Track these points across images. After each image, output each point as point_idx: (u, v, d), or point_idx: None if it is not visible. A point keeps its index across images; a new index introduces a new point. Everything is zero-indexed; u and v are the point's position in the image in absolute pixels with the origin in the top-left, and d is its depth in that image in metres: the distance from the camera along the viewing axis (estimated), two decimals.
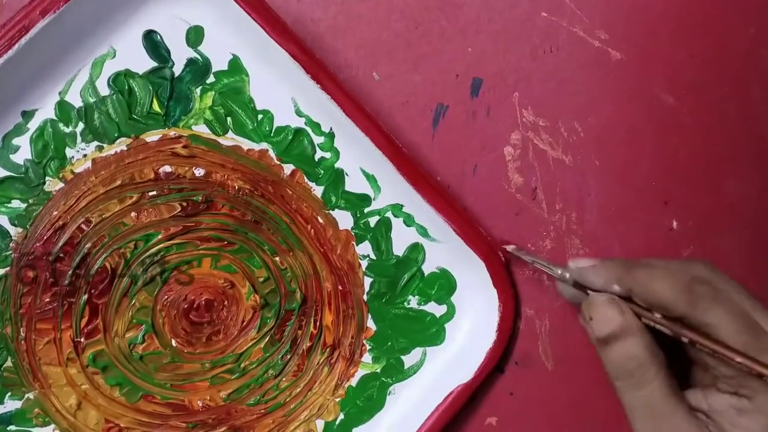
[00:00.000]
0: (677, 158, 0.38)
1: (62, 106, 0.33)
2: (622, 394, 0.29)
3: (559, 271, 0.32)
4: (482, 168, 0.37)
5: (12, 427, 0.32)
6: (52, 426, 0.33)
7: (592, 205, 0.38)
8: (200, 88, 0.34)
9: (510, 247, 0.36)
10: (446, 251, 0.36)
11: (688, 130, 0.37)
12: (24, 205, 0.33)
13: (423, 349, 0.37)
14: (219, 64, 0.34)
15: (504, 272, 0.35)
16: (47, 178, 0.33)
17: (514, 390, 0.37)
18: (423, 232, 0.36)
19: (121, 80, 0.33)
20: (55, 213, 0.33)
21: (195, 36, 0.34)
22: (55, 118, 0.33)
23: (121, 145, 0.33)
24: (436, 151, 0.37)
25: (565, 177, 0.37)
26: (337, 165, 0.35)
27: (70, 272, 0.33)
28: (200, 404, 0.34)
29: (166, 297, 0.34)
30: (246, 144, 0.35)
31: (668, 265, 0.30)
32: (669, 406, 0.28)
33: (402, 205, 0.36)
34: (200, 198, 0.34)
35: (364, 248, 0.36)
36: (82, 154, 0.33)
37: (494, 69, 0.37)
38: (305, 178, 0.35)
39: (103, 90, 0.33)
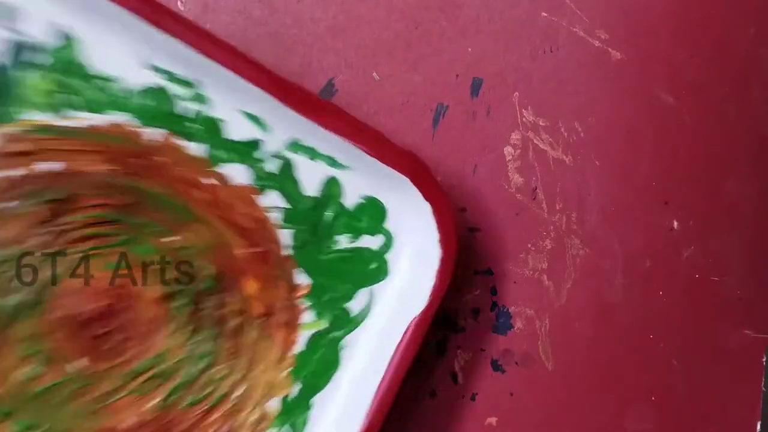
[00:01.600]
0: (678, 158, 0.40)
1: None
2: None
3: None
4: (482, 168, 0.38)
5: None
6: None
7: (592, 205, 0.39)
8: (26, 70, 0.30)
9: None
10: (365, 176, 0.34)
11: (689, 130, 0.39)
12: None
13: (368, 290, 0.35)
14: (38, 36, 0.30)
15: (433, 182, 0.33)
16: None
17: (515, 390, 0.39)
18: (332, 162, 0.34)
19: None
20: None
21: None
22: None
23: None
24: (436, 152, 0.37)
25: (566, 177, 0.39)
26: (211, 114, 0.32)
27: None
28: (132, 423, 0.32)
29: (54, 316, 0.31)
30: (99, 119, 0.31)
31: None
32: None
33: (299, 140, 0.33)
34: (63, 196, 0.31)
35: (273, 199, 0.34)
36: None
37: (494, 69, 0.38)
38: (177, 139, 0.32)
39: None
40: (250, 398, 0.34)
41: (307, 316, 0.35)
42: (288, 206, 0.34)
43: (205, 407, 0.33)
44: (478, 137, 0.38)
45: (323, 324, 0.35)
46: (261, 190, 0.34)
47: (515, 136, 0.38)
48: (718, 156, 0.40)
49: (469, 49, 0.38)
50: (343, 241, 0.35)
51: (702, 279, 0.40)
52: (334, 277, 0.35)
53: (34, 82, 0.30)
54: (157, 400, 0.32)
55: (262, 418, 0.34)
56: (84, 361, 0.31)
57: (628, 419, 0.39)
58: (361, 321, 0.35)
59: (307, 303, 0.35)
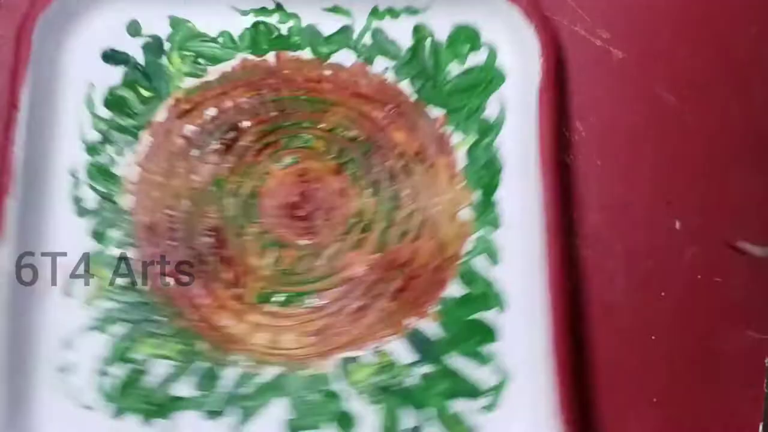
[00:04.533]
0: (680, 158, 0.43)
1: None
2: None
3: None
4: None
5: (240, 390, 0.42)
6: (274, 366, 0.43)
7: (593, 204, 0.44)
8: (163, 56, 0.45)
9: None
10: (441, 7, 0.45)
11: (691, 130, 0.43)
12: None
13: (495, 95, 0.45)
14: (160, 29, 0.46)
15: None
16: None
17: None
18: (411, 11, 0.45)
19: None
20: None
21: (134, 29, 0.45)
22: None
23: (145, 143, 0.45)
24: None
25: (567, 177, 0.44)
26: (302, 24, 0.46)
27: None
28: (365, 269, 0.44)
29: (267, 215, 0.44)
30: (227, 65, 0.45)
31: None
32: None
33: (376, 6, 0.46)
34: (227, 129, 0.45)
35: (381, 63, 0.46)
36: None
37: None
38: (290, 53, 0.46)
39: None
40: (444, 216, 0.45)
41: (456, 137, 0.46)
42: (394, 63, 0.46)
43: (413, 236, 0.45)
44: None
45: (472, 137, 0.46)
46: (369, 62, 0.46)
47: None
48: (720, 155, 0.42)
49: None
50: (455, 69, 0.46)
51: (704, 279, 0.42)
52: (461, 99, 0.46)
53: (172, 60, 0.45)
54: (374, 245, 0.44)
55: (462, 226, 0.45)
56: (307, 238, 0.44)
57: (630, 421, 0.41)
58: (502, 122, 0.46)
59: (450, 128, 0.46)
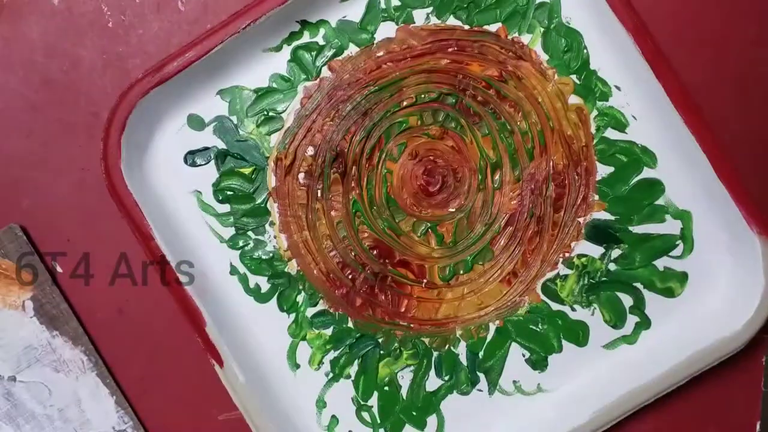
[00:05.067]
0: None
1: None
2: None
3: None
4: None
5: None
6: (491, 322, 0.46)
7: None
8: (238, 129, 0.47)
9: None
10: None
11: None
12: None
13: None
14: (218, 107, 0.47)
15: None
16: None
17: None
18: None
19: None
20: None
21: None
22: None
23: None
24: None
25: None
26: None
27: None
28: (515, 203, 0.46)
29: (408, 202, 0.46)
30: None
31: None
32: None
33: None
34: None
35: (419, 15, 0.46)
36: None
37: None
38: (338, 60, 0.47)
39: None
40: (556, 113, 0.46)
41: (525, 39, 0.46)
42: (431, 8, 0.46)
43: (540, 147, 0.46)
44: None
45: (539, 30, 0.46)
46: (409, 20, 0.46)
47: None
48: None
49: None
50: None
51: None
52: (509, 3, 0.46)
53: (248, 128, 0.47)
54: (512, 176, 0.46)
55: (577, 112, 0.46)
56: (452, 207, 0.46)
57: (629, 420, 0.43)
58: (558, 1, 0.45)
59: (514, 34, 0.46)
